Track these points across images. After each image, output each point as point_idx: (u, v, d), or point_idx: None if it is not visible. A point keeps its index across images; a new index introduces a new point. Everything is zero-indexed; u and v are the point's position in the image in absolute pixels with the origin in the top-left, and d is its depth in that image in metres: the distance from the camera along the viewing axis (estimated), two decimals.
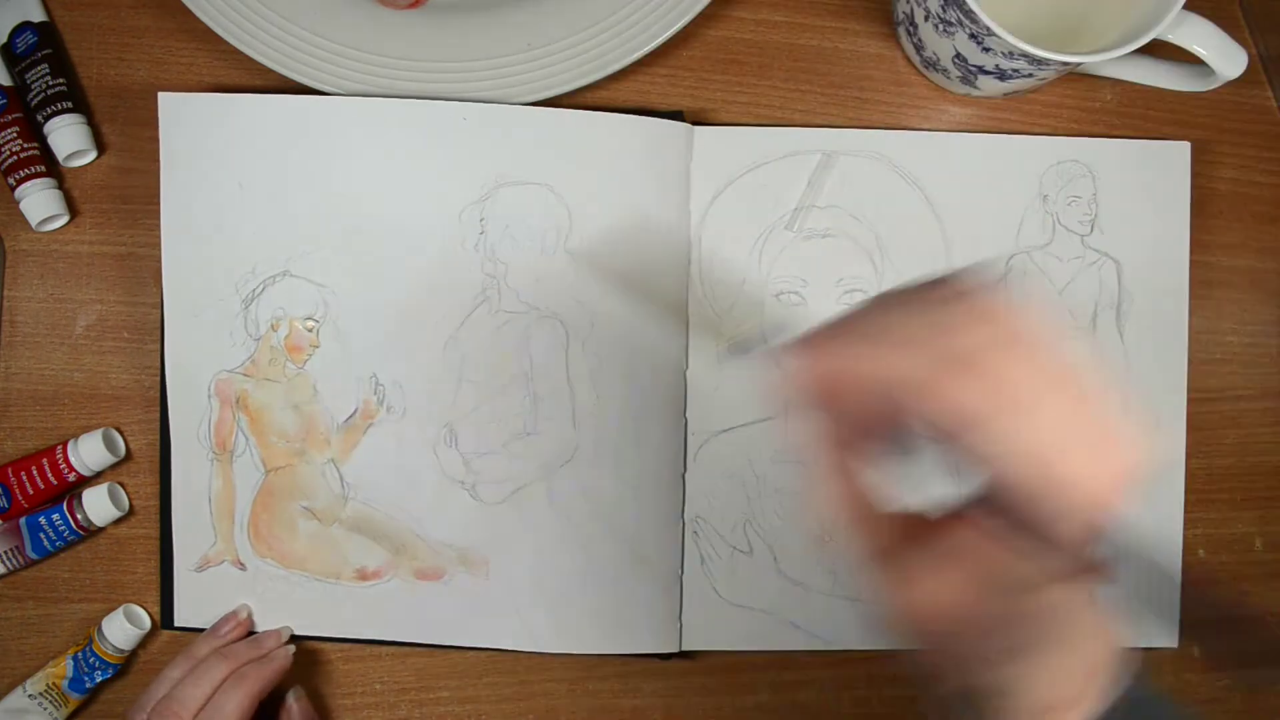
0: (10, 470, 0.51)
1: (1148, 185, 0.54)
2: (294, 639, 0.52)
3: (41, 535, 0.51)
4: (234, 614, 0.51)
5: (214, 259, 0.51)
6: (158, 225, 0.52)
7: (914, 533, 0.33)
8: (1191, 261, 0.54)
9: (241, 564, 0.52)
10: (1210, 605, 0.42)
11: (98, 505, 0.51)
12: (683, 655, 0.53)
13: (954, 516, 0.33)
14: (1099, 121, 0.56)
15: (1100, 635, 0.37)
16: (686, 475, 0.53)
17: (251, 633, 0.52)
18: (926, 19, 0.50)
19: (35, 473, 0.51)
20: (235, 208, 0.51)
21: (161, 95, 0.51)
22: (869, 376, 0.30)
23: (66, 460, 0.51)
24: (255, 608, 0.52)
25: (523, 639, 0.52)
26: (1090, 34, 0.52)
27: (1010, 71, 0.49)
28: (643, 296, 0.52)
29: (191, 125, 0.51)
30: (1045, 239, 0.54)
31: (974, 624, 0.33)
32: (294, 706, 0.51)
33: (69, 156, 0.52)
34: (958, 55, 0.50)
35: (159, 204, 0.52)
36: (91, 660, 0.51)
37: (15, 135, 0.51)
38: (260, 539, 0.52)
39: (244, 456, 0.51)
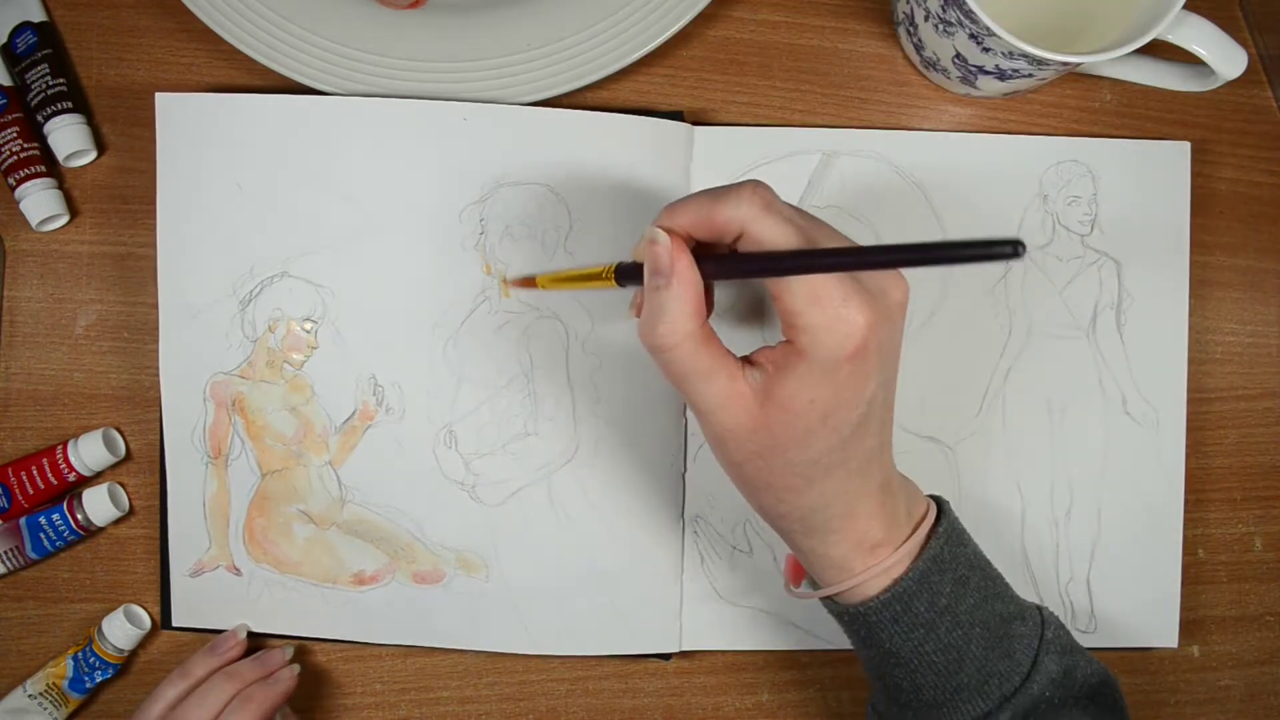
0: (10, 470, 0.51)
1: (1148, 185, 0.54)
2: (294, 639, 0.52)
3: (41, 535, 0.51)
4: (232, 633, 0.51)
5: (211, 260, 0.51)
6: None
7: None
8: (1191, 261, 0.54)
9: (237, 569, 0.52)
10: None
11: (98, 505, 0.51)
12: (683, 655, 0.53)
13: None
14: (1099, 121, 0.56)
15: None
16: (686, 475, 0.53)
17: (252, 643, 0.52)
18: (926, 19, 0.50)
19: (35, 473, 0.51)
20: (233, 208, 0.51)
21: (159, 95, 0.51)
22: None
23: (66, 460, 0.51)
24: (251, 613, 0.52)
25: (523, 641, 0.52)
26: (1090, 34, 0.52)
27: (1010, 71, 0.49)
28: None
29: (189, 125, 0.51)
30: (1045, 239, 0.54)
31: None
32: None
33: (69, 156, 0.52)
34: (958, 55, 0.50)
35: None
36: (91, 660, 0.51)
37: (15, 135, 0.51)
38: (256, 543, 0.51)
39: (239, 460, 0.51)
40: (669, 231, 0.37)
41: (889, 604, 0.39)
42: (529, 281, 0.49)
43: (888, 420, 0.39)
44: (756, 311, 0.53)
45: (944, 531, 0.40)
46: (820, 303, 0.35)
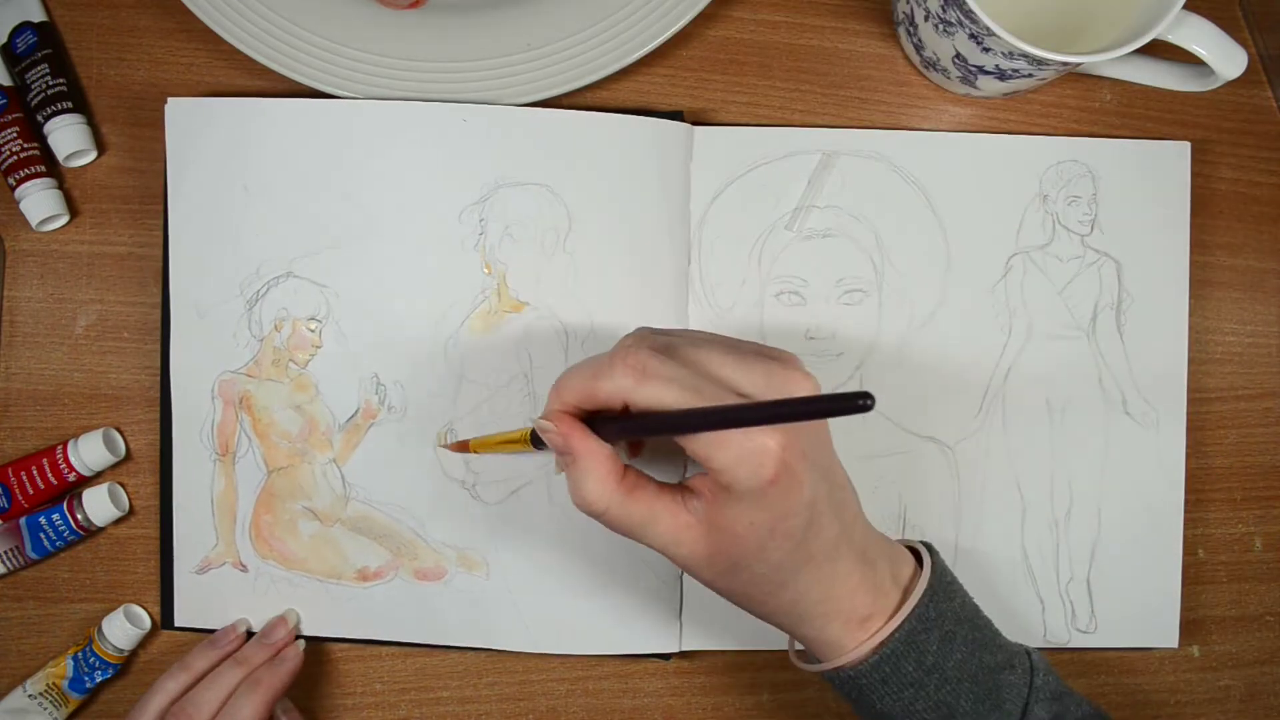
0: (10, 470, 0.51)
1: (1148, 185, 0.54)
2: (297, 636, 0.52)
3: (41, 535, 0.51)
4: (232, 627, 0.51)
5: (219, 261, 0.51)
6: (158, 225, 0.52)
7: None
8: (1191, 261, 0.54)
9: (243, 565, 0.52)
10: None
11: (98, 505, 0.51)
12: (683, 655, 0.53)
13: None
14: (1099, 121, 0.56)
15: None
16: (686, 475, 0.53)
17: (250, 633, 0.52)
18: (926, 19, 0.50)
19: (35, 473, 0.51)
20: (240, 210, 0.51)
21: (169, 101, 0.51)
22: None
23: (66, 460, 0.51)
24: (256, 609, 0.52)
25: (523, 639, 0.52)
26: (1090, 34, 0.52)
27: (1010, 71, 0.49)
28: (642, 296, 0.52)
29: (197, 129, 0.51)
30: (1045, 239, 0.54)
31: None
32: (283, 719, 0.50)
33: (69, 156, 0.52)
34: (958, 55, 0.50)
35: (159, 204, 0.52)
36: (92, 660, 0.51)
37: (15, 135, 0.51)
38: (262, 540, 0.52)
39: (246, 457, 0.51)
40: (559, 412, 0.38)
41: (877, 666, 0.39)
42: (462, 446, 0.50)
43: (844, 502, 0.39)
44: None
45: (929, 588, 0.40)
46: (724, 443, 0.35)
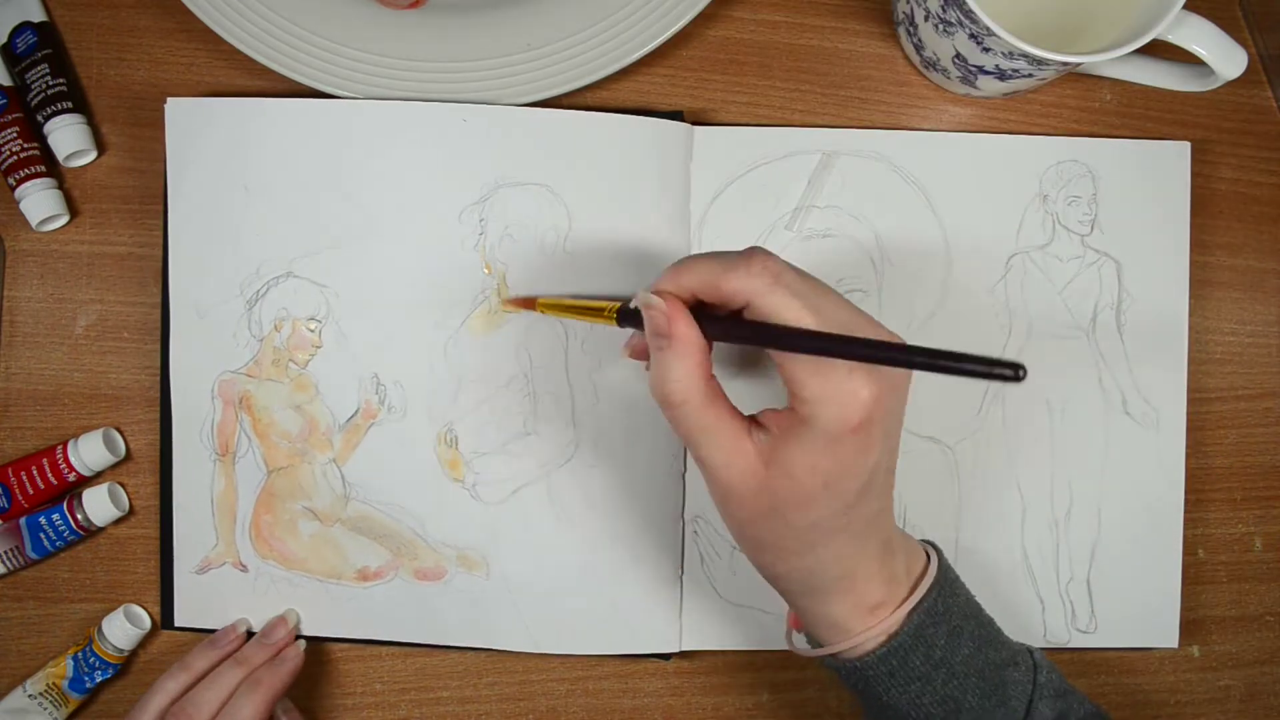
0: (10, 470, 0.51)
1: (1148, 185, 0.54)
2: (297, 636, 0.52)
3: (41, 535, 0.51)
4: (232, 627, 0.51)
5: (219, 261, 0.51)
6: (158, 225, 0.52)
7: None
8: (1191, 261, 0.54)
9: (243, 565, 0.52)
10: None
11: (98, 505, 0.51)
12: (683, 655, 0.53)
13: None
14: (1099, 121, 0.56)
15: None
16: (686, 475, 0.53)
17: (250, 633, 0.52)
18: (926, 19, 0.50)
19: (35, 473, 0.51)
20: (241, 210, 0.51)
21: (169, 101, 0.51)
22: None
23: (66, 460, 0.51)
24: (256, 609, 0.52)
25: (523, 639, 0.52)
26: (1090, 34, 0.52)
27: (1010, 71, 0.49)
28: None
29: (197, 129, 0.51)
30: (1045, 239, 0.54)
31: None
32: (283, 719, 0.50)
33: (69, 156, 0.52)
34: (958, 55, 0.50)
35: (159, 204, 0.52)
36: (92, 660, 0.51)
37: (15, 135, 0.51)
38: (262, 540, 0.52)
39: (246, 457, 0.51)
40: (669, 293, 0.37)
41: (885, 659, 0.39)
42: (527, 302, 0.49)
43: (890, 484, 0.39)
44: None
45: (936, 582, 0.40)
46: (824, 375, 0.34)
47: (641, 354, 0.43)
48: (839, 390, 0.34)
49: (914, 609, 0.39)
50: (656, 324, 0.37)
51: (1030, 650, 0.43)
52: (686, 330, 0.37)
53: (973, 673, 0.40)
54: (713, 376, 0.38)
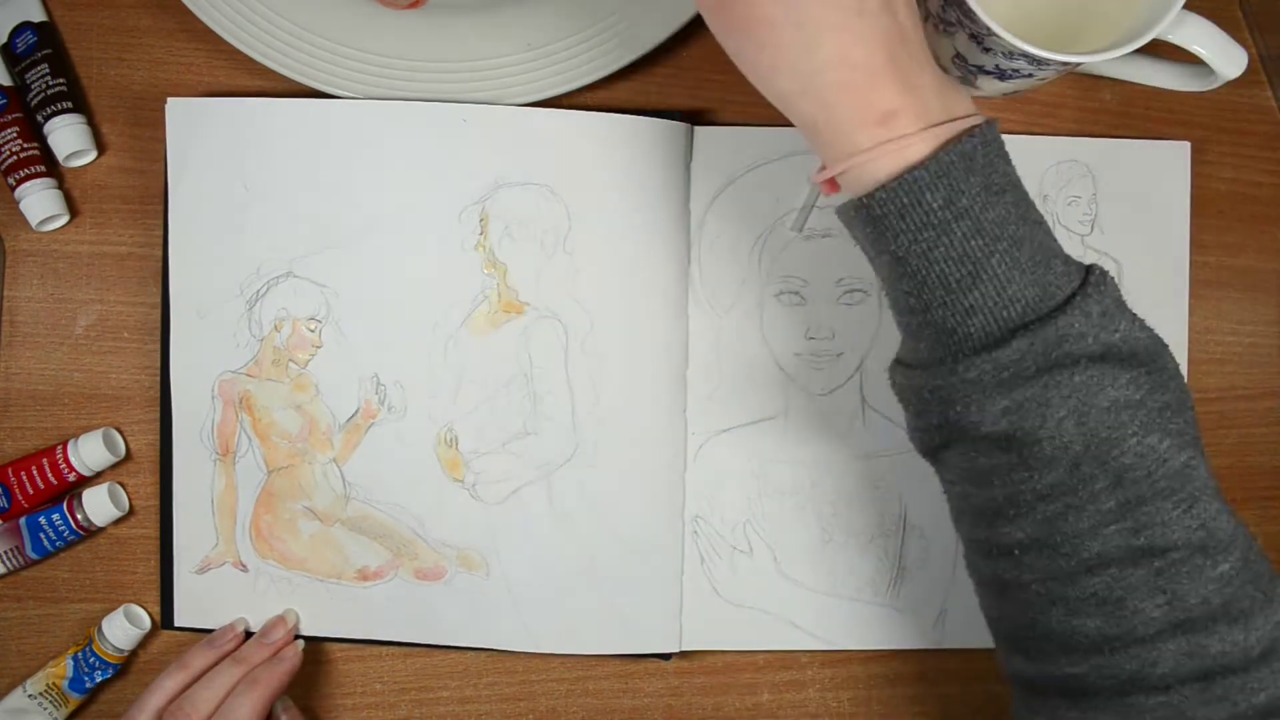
0: (10, 470, 0.51)
1: (1148, 185, 0.54)
2: (296, 636, 0.52)
3: (41, 535, 0.51)
4: (230, 627, 0.51)
5: (219, 261, 0.51)
6: (158, 225, 0.52)
7: None
8: (1191, 261, 0.54)
9: (243, 565, 0.52)
10: None
11: (98, 505, 0.51)
12: (683, 655, 0.53)
13: None
14: (1099, 121, 0.56)
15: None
16: (686, 475, 0.53)
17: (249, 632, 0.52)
18: (926, 19, 0.50)
19: (35, 473, 0.51)
20: (240, 210, 0.51)
21: (169, 101, 0.51)
22: None
23: (66, 460, 0.51)
24: (256, 608, 0.52)
25: (523, 639, 0.52)
26: (1090, 34, 0.52)
27: (1010, 71, 0.49)
28: (642, 296, 0.52)
29: (198, 129, 0.51)
30: None
31: None
32: (282, 718, 0.50)
33: (69, 156, 0.52)
34: (958, 55, 0.50)
35: (159, 204, 0.52)
36: (91, 660, 0.51)
37: (15, 135, 0.51)
38: (262, 540, 0.52)
39: (247, 457, 0.51)
40: None
41: (895, 193, 0.33)
42: None
43: (912, 8, 0.35)
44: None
45: (983, 135, 0.34)
46: None
47: None
48: None
49: (945, 143, 0.33)
50: None
51: (1095, 266, 0.36)
52: None
53: (1005, 237, 0.34)
54: None
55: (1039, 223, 0.36)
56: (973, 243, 0.33)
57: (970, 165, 0.33)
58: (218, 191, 0.51)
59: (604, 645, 0.52)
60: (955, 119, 0.34)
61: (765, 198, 0.53)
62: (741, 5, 0.34)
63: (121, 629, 0.51)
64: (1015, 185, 0.35)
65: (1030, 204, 0.36)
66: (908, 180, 0.33)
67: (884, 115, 0.34)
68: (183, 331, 0.51)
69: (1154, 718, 0.35)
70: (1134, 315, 0.36)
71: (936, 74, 0.36)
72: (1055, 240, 0.36)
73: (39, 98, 0.52)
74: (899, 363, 0.39)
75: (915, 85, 0.34)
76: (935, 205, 0.33)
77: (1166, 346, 0.36)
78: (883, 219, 0.34)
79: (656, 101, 0.55)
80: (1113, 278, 0.36)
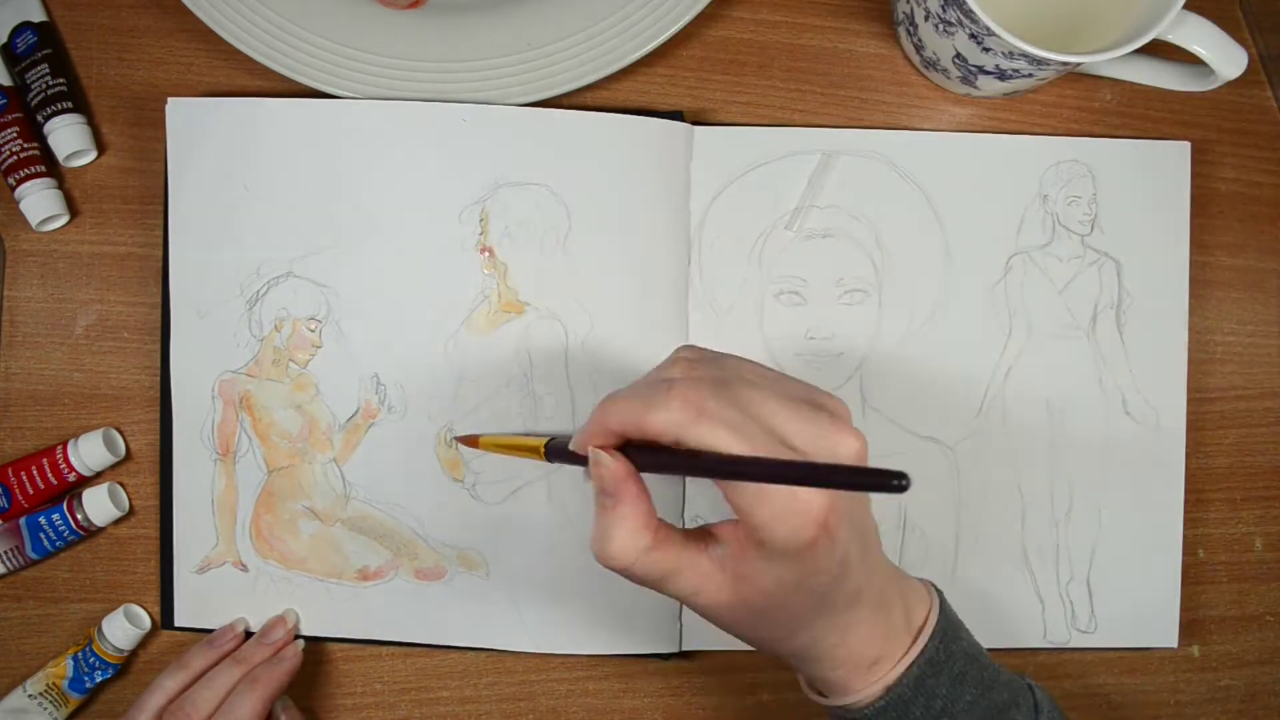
0: (10, 470, 0.51)
1: (1148, 185, 0.54)
2: (296, 636, 0.52)
3: (41, 535, 0.51)
4: (230, 626, 0.51)
5: (219, 261, 0.51)
6: (158, 225, 0.52)
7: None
8: (1191, 261, 0.54)
9: (243, 565, 0.52)
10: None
11: (98, 505, 0.51)
12: (683, 655, 0.53)
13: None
14: (1099, 121, 0.56)
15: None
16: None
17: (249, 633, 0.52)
18: (926, 19, 0.50)
19: (35, 473, 0.51)
20: (241, 209, 0.51)
21: (169, 101, 0.51)
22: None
23: (66, 460, 0.51)
24: (256, 608, 0.52)
25: (523, 639, 0.52)
26: (1090, 34, 0.52)
27: (1010, 71, 0.49)
28: (642, 296, 0.52)
29: (198, 129, 0.51)
30: (1045, 239, 0.54)
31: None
32: (281, 718, 0.50)
33: (69, 156, 0.52)
34: (958, 55, 0.50)
35: (159, 204, 0.52)
36: (91, 660, 0.51)
37: (15, 135, 0.51)
38: (262, 540, 0.52)
39: (247, 457, 0.51)
40: (609, 446, 0.36)
41: (884, 711, 0.39)
42: (472, 440, 0.49)
43: (869, 547, 0.38)
44: None
45: (938, 629, 0.39)
46: (765, 501, 0.33)
47: None
48: (786, 510, 0.33)
49: (914, 661, 0.39)
50: (604, 483, 0.36)
51: (1030, 686, 0.43)
52: (631, 488, 0.36)
53: (976, 718, 0.39)
54: (656, 519, 0.36)
55: (992, 683, 0.41)
56: None
57: (937, 668, 0.39)
58: (218, 191, 0.51)
59: (604, 645, 0.52)
60: (918, 627, 0.39)
61: (765, 198, 0.53)
62: (748, 630, 0.38)
63: (121, 629, 0.51)
64: (970, 656, 0.40)
65: (981, 662, 0.41)
66: (892, 700, 0.38)
67: (870, 665, 0.38)
68: (183, 331, 0.51)
69: None
70: None
71: (891, 586, 0.39)
72: (1002, 678, 0.41)
73: (39, 98, 0.52)
74: None
75: (889, 626, 0.39)
76: (917, 713, 0.39)
77: None
78: None
79: (656, 101, 0.55)
80: (1048, 696, 0.42)
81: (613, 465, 0.36)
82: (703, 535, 0.37)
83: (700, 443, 0.34)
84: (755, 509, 0.34)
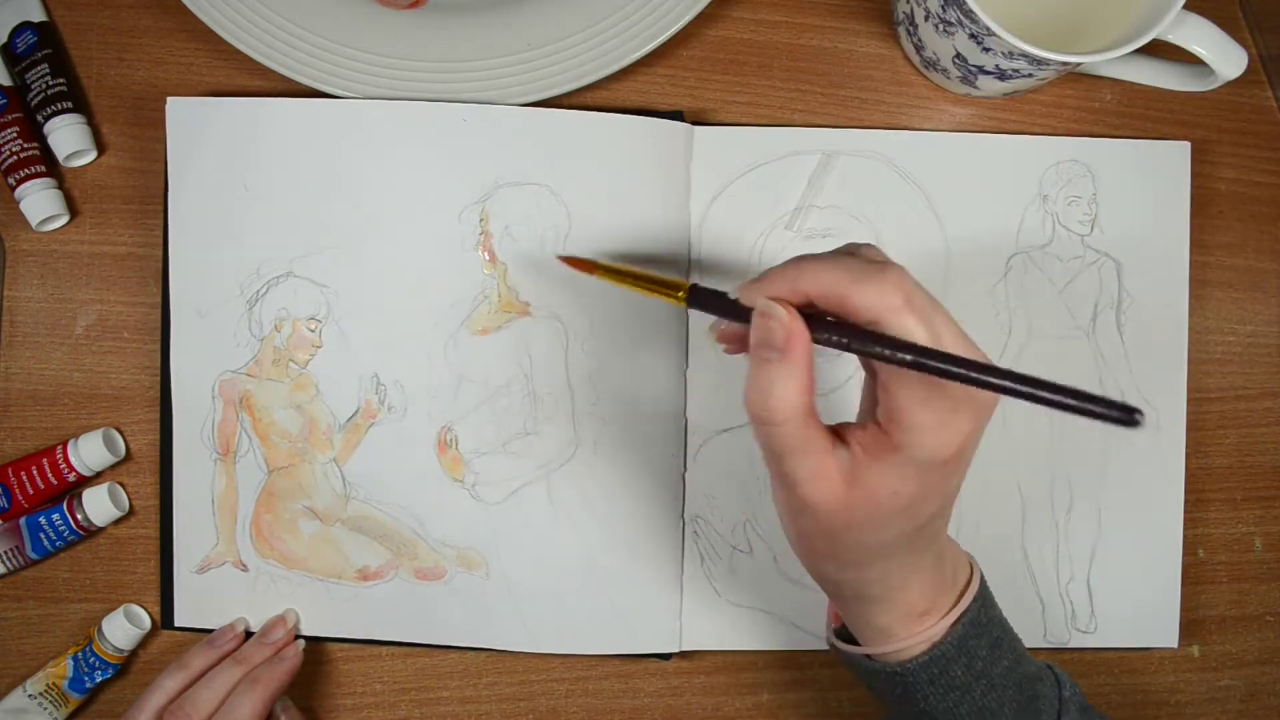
0: (10, 470, 0.51)
1: (1148, 185, 0.54)
2: (296, 636, 0.52)
3: (41, 535, 0.51)
4: (230, 626, 0.51)
5: (219, 261, 0.51)
6: (158, 225, 0.52)
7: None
8: (1191, 261, 0.54)
9: (243, 565, 0.52)
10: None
11: (98, 505, 0.51)
12: (683, 655, 0.53)
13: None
14: (1099, 121, 0.56)
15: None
16: (686, 475, 0.53)
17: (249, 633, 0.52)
18: (926, 19, 0.50)
19: (35, 473, 0.51)
20: (241, 209, 0.51)
21: (169, 100, 0.51)
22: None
23: (66, 460, 0.51)
24: (256, 608, 0.52)
25: (523, 639, 0.52)
26: (1090, 34, 0.52)
27: (1010, 71, 0.49)
28: (642, 296, 0.52)
29: (198, 129, 0.51)
30: (1045, 239, 0.54)
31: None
32: (282, 718, 0.50)
33: (69, 156, 0.52)
34: (958, 55, 0.50)
35: (159, 204, 0.52)
36: (91, 660, 0.51)
37: (15, 135, 0.51)
38: (262, 539, 0.52)
39: (247, 457, 0.51)
40: (784, 299, 0.35)
41: (927, 666, 0.39)
42: (586, 265, 0.45)
43: (955, 498, 0.38)
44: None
45: (978, 594, 0.40)
46: (930, 405, 0.33)
47: (732, 341, 0.40)
48: (941, 424, 0.33)
49: (959, 619, 0.39)
50: (773, 336, 0.34)
51: (1049, 666, 0.43)
52: (803, 347, 0.34)
53: (1010, 685, 0.40)
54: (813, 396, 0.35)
55: (1021, 654, 0.42)
56: (989, 697, 0.40)
57: (979, 630, 0.40)
58: (218, 191, 0.51)
59: (604, 645, 0.52)
60: (963, 588, 0.40)
61: (765, 197, 0.53)
62: (828, 544, 0.38)
63: (121, 629, 0.51)
64: (1004, 626, 0.42)
65: (1011, 633, 0.42)
66: (935, 656, 0.39)
67: (920, 615, 0.39)
68: (183, 331, 0.51)
69: None
70: (1095, 710, 0.43)
71: (948, 543, 0.40)
72: (1028, 654, 0.42)
73: (39, 98, 0.52)
74: None
75: (942, 580, 0.39)
76: (958, 673, 0.39)
77: None
78: (915, 686, 0.40)
79: (656, 101, 0.55)
80: (1068, 675, 0.43)
81: (788, 319, 0.34)
82: (831, 431, 0.36)
83: (903, 331, 0.33)
84: (916, 411, 0.33)
